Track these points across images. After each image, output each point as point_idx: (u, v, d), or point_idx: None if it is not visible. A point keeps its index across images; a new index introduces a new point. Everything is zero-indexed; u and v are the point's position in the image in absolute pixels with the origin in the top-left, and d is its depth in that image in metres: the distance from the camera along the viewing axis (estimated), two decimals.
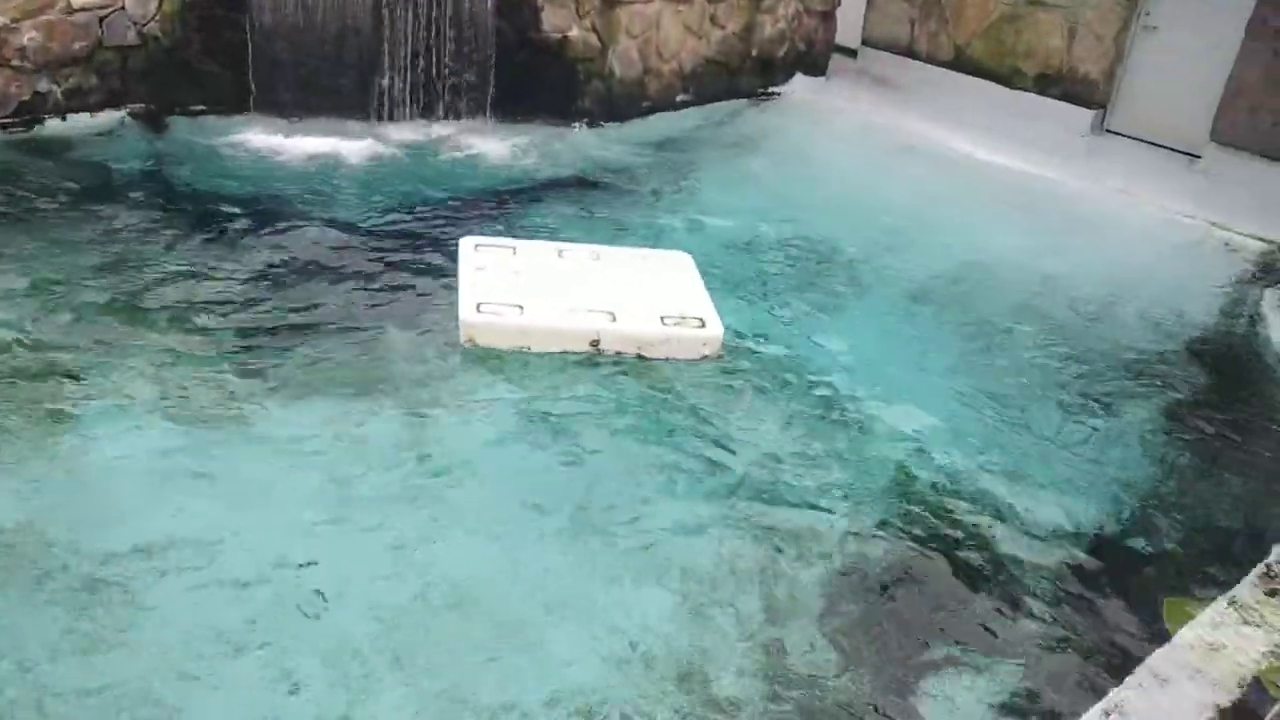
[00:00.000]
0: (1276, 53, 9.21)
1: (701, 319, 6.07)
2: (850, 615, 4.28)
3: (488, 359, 5.71)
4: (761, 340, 6.25)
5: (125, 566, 4.08)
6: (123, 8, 7.94)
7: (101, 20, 7.93)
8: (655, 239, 7.35)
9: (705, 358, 5.97)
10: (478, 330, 5.80)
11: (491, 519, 4.58)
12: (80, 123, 7.99)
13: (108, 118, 8.12)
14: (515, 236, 7.00)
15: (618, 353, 5.88)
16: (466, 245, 6.57)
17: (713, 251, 7.25)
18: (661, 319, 6.01)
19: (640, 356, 5.90)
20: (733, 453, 5.19)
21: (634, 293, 6.24)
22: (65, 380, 5.13)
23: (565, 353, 5.82)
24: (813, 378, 5.92)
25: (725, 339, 6.03)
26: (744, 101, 10.75)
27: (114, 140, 7.97)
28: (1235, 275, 7.86)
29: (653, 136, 9.62)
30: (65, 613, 3.87)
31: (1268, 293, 7.51)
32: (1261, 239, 8.35)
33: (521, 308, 5.89)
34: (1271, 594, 4.27)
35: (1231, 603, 4.21)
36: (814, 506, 4.87)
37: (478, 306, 5.86)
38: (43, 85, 7.82)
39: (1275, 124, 9.31)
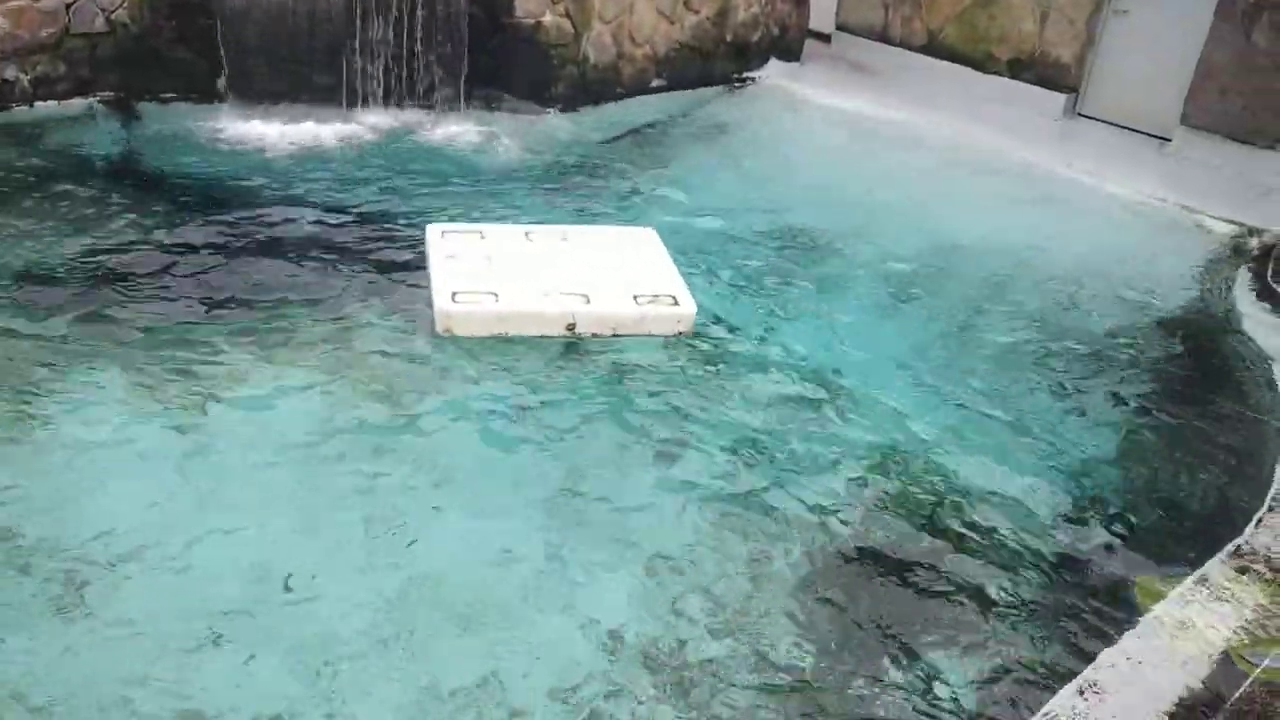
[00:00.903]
0: (1246, 35, 9.27)
1: (674, 296, 6.09)
2: (824, 597, 4.30)
3: (464, 346, 5.69)
4: (735, 322, 6.25)
5: (96, 561, 4.05)
6: None
7: (69, 7, 7.84)
8: (629, 224, 7.32)
9: (680, 334, 5.99)
10: (455, 320, 5.77)
11: (471, 507, 4.58)
12: (48, 111, 7.91)
13: (76, 105, 8.04)
14: (489, 222, 6.98)
15: (594, 334, 5.89)
16: (434, 232, 6.54)
17: (686, 236, 7.25)
18: (635, 298, 6.02)
19: (615, 336, 5.91)
20: (707, 435, 5.20)
21: (605, 273, 6.24)
22: (31, 367, 5.08)
23: (542, 337, 5.82)
24: (786, 359, 5.93)
25: (699, 321, 6.06)
26: (719, 87, 10.73)
27: (83, 128, 7.88)
28: (1206, 258, 7.91)
29: (627, 122, 9.60)
30: (37, 608, 3.84)
31: (1238, 274, 7.58)
32: (1231, 221, 8.42)
33: (497, 295, 5.88)
34: (1242, 571, 4.32)
35: (1201, 580, 4.26)
36: (786, 488, 4.89)
37: (453, 296, 5.84)
38: (9, 73, 7.73)
39: (1244, 107, 9.38)
